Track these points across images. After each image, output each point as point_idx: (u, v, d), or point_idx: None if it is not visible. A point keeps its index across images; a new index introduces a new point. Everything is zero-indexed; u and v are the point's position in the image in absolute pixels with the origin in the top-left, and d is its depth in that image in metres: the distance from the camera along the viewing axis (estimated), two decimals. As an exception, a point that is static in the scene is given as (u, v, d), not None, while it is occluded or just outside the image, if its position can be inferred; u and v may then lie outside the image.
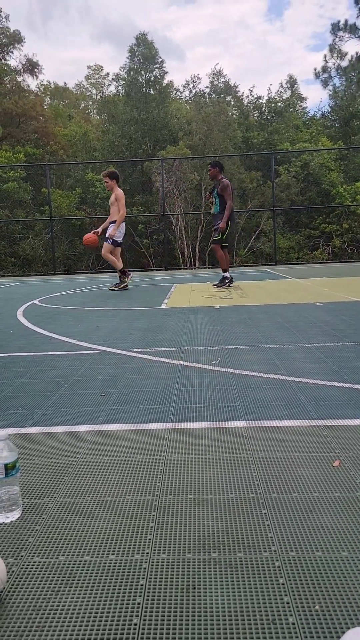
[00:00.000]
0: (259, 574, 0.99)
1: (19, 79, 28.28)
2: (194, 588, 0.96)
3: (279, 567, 1.01)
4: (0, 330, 4.23)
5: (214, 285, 7.14)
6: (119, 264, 7.33)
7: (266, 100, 26.35)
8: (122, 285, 7.30)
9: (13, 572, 1.03)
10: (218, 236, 7.02)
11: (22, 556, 1.09)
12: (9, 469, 1.22)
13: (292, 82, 28.10)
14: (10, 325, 4.45)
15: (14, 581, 1.00)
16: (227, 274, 7.15)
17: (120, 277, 7.42)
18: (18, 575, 1.02)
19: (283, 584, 0.96)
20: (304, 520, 1.17)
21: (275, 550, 1.06)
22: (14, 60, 44.83)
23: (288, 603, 0.91)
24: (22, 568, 1.05)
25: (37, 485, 1.42)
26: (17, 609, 0.92)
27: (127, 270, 7.47)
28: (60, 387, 2.41)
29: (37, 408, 2.11)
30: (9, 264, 20.16)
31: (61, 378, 2.58)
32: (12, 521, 1.23)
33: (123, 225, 7.20)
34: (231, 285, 7.14)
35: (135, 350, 3.18)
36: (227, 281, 7.08)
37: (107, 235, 7.15)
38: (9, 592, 0.97)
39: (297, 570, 1.00)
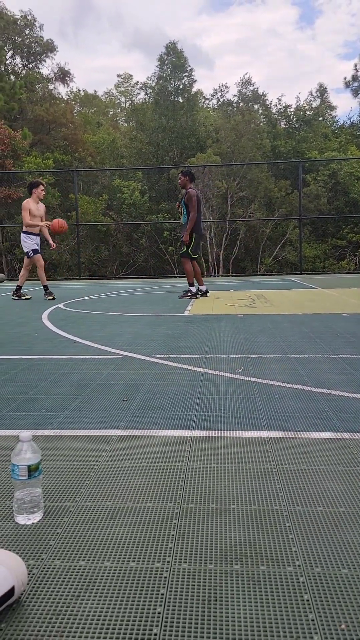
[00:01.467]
0: (283, 589, 0.97)
1: (51, 87, 28.82)
2: (216, 600, 0.94)
3: (303, 582, 0.98)
4: (26, 333, 4.28)
5: (179, 297, 7.00)
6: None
7: (295, 108, 26.27)
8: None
9: (34, 574, 1.03)
10: (184, 249, 6.88)
11: (42, 559, 1.09)
12: (32, 470, 1.22)
13: (321, 90, 27.98)
14: (35, 328, 4.50)
15: (35, 583, 1.00)
16: (192, 288, 6.92)
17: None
18: (39, 577, 1.02)
19: (308, 601, 0.93)
20: (330, 536, 1.14)
21: (299, 565, 1.04)
22: (46, 68, 45.71)
23: (313, 620, 0.88)
24: (42, 571, 1.04)
25: (58, 488, 1.42)
26: (37, 612, 0.92)
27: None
28: (83, 391, 2.42)
29: (60, 411, 2.12)
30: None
31: (84, 382, 2.59)
32: (33, 523, 1.23)
33: None
34: (198, 296, 6.91)
35: (157, 356, 3.17)
36: (189, 294, 6.90)
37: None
38: (29, 594, 0.97)
39: (323, 587, 0.97)
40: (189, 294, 6.91)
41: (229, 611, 0.91)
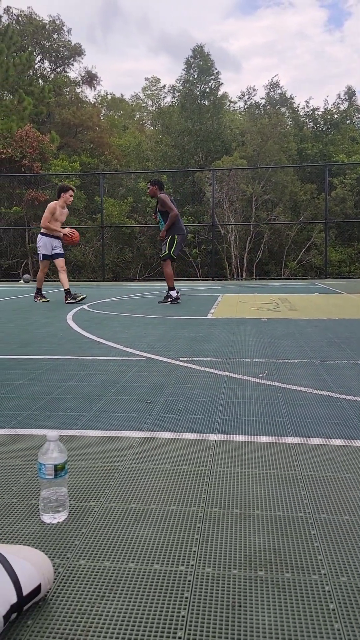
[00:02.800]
0: (308, 597, 0.96)
1: (78, 90, 29.18)
2: (240, 606, 0.93)
3: (329, 591, 0.97)
4: (51, 333, 4.33)
5: (159, 302, 6.80)
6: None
7: (322, 111, 26.04)
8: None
9: (59, 573, 1.04)
10: (165, 252, 6.69)
11: (68, 558, 1.10)
12: (58, 470, 1.24)
13: (350, 93, 27.66)
14: (60, 329, 4.55)
15: (60, 582, 1.01)
16: (173, 292, 6.72)
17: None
18: (64, 576, 1.03)
19: (334, 610, 0.92)
20: (356, 545, 1.13)
21: (325, 574, 1.02)
22: (74, 72, 46.30)
23: (339, 630, 0.87)
24: (68, 570, 1.05)
25: (83, 488, 1.43)
26: (63, 611, 0.93)
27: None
28: (107, 392, 2.44)
29: (84, 411, 2.14)
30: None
31: (108, 383, 2.61)
32: (59, 522, 1.24)
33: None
34: (179, 302, 6.73)
35: (181, 359, 3.18)
36: (169, 299, 6.70)
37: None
38: (55, 592, 0.98)
39: (349, 596, 0.96)
40: (169, 300, 6.68)
41: (253, 618, 0.90)
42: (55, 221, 6.98)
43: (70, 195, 7.13)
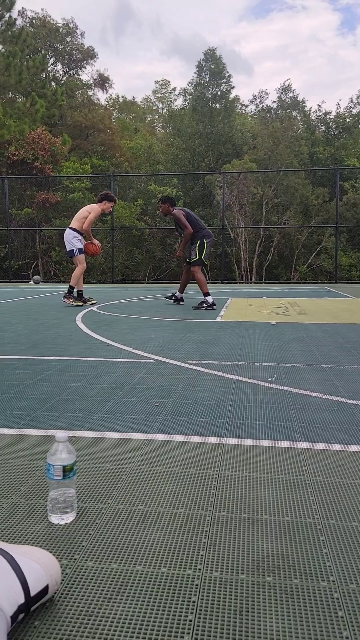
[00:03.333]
0: (316, 604, 0.95)
1: (90, 93, 29.34)
2: (247, 611, 0.93)
3: (337, 599, 0.96)
4: (60, 334, 4.35)
5: (194, 307, 6.60)
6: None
7: (334, 115, 25.97)
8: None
9: (66, 574, 1.04)
10: (196, 257, 6.55)
11: (75, 559, 1.10)
12: (67, 471, 1.24)
13: (361, 97, 27.55)
14: (69, 330, 4.57)
15: (67, 583, 1.01)
16: (209, 298, 6.52)
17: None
18: (71, 578, 1.03)
19: (342, 617, 0.91)
20: (365, 552, 1.12)
21: (333, 581, 1.02)
22: (86, 75, 46.54)
23: (347, 638, 0.86)
24: (75, 571, 1.05)
25: (91, 489, 1.43)
26: (70, 612, 0.93)
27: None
28: (115, 394, 2.44)
29: (92, 412, 2.15)
30: (70, 270, 20.80)
31: (117, 384, 2.62)
32: (66, 523, 1.25)
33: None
34: (213, 308, 6.59)
35: (189, 361, 3.17)
36: (205, 305, 6.47)
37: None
38: (62, 593, 0.98)
39: (358, 604, 0.95)
40: (204, 305, 6.49)
41: (260, 623, 0.90)
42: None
43: (112, 207, 6.97)
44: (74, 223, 6.83)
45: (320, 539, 1.17)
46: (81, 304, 6.90)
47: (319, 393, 2.43)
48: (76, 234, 6.80)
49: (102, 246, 7.29)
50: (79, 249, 6.81)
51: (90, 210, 6.79)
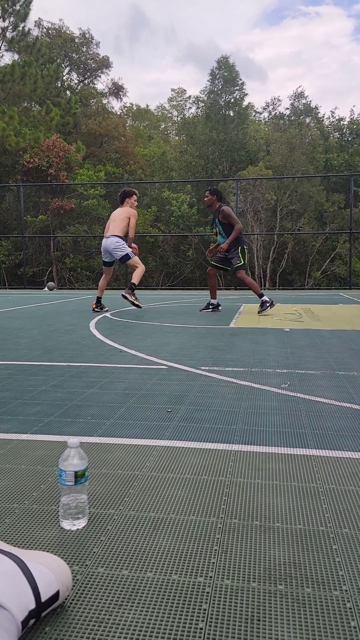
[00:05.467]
0: (329, 613, 0.94)
1: (104, 101, 29.63)
2: (259, 620, 0.92)
3: (350, 608, 0.95)
4: (74, 340, 4.37)
5: (259, 312, 6.54)
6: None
7: (348, 121, 25.89)
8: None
9: (77, 580, 1.04)
10: (240, 262, 6.49)
11: (86, 565, 1.10)
12: (79, 476, 1.24)
13: (376, 103, 27.46)
14: (83, 336, 4.59)
15: (78, 589, 1.01)
16: (265, 297, 6.51)
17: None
18: (82, 584, 1.03)
19: (355, 628, 0.90)
20: (379, 562, 1.10)
21: (346, 590, 1.00)
22: (101, 84, 47.01)
23: (360, 649, 0.85)
24: (86, 577, 1.05)
25: (103, 495, 1.43)
26: (81, 618, 0.93)
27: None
28: (128, 400, 2.44)
29: (105, 418, 2.15)
30: (84, 277, 20.97)
31: (129, 391, 2.62)
32: (78, 529, 1.25)
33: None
34: (272, 306, 6.58)
35: (202, 368, 3.17)
36: (268, 305, 6.45)
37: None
38: (73, 599, 0.98)
39: (371, 615, 0.93)
40: (267, 305, 6.46)
41: (272, 633, 0.89)
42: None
43: (135, 200, 6.90)
44: (115, 230, 6.70)
45: (333, 547, 1.16)
46: (138, 303, 6.75)
47: (333, 400, 2.41)
48: (121, 240, 6.71)
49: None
50: (131, 251, 6.75)
51: (129, 215, 6.71)
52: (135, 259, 6.77)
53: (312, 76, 59.61)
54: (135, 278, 6.71)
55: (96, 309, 7.04)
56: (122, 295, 6.69)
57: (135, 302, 6.65)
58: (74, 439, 1.26)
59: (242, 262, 6.53)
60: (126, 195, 6.88)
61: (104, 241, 6.84)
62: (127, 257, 6.73)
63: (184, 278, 23.07)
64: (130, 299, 6.61)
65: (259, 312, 6.55)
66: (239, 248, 6.53)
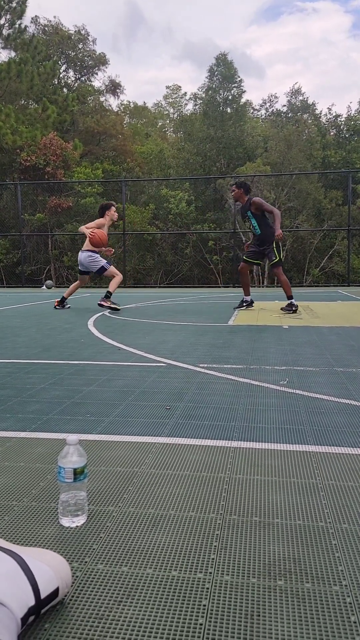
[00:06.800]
0: (329, 608, 0.94)
1: (102, 99, 29.55)
2: (258, 615, 0.92)
3: (350, 603, 0.95)
4: (73, 339, 4.37)
5: (281, 308, 6.53)
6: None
7: (345, 118, 25.88)
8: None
9: (77, 577, 1.04)
10: (275, 258, 6.35)
11: (86, 562, 1.10)
12: (78, 473, 1.24)
13: (373, 100, 27.44)
14: (81, 335, 4.59)
15: (78, 586, 1.01)
16: (294, 301, 6.43)
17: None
18: (82, 580, 1.03)
19: (355, 622, 0.90)
20: (378, 557, 1.10)
21: (346, 585, 1.00)
22: (98, 81, 46.86)
23: (360, 644, 0.85)
24: (85, 574, 1.05)
25: (102, 492, 1.43)
26: (80, 615, 0.93)
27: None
28: (127, 397, 2.44)
29: (104, 416, 2.15)
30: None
31: (128, 388, 2.62)
32: (77, 526, 1.25)
33: None
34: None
35: (201, 365, 3.17)
36: (293, 307, 6.35)
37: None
38: (72, 596, 0.98)
39: (371, 609, 0.93)
40: (293, 308, 6.31)
41: (272, 628, 0.89)
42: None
43: (115, 212, 6.99)
44: (88, 244, 6.81)
45: (333, 542, 1.16)
46: (116, 306, 6.76)
47: (332, 396, 2.41)
48: (93, 254, 6.82)
49: (114, 251, 7.24)
50: (106, 262, 6.88)
51: (98, 226, 6.82)
52: (112, 269, 6.92)
53: (310, 73, 59.59)
54: (112, 287, 6.85)
55: (57, 307, 7.19)
56: (98, 304, 6.81)
57: (112, 306, 6.71)
58: (73, 436, 1.26)
59: (278, 258, 6.38)
60: (105, 208, 6.99)
61: (79, 254, 7.03)
62: (102, 269, 6.89)
63: (182, 276, 23.06)
64: (106, 304, 6.72)
65: (281, 308, 6.50)
66: (274, 243, 6.35)
